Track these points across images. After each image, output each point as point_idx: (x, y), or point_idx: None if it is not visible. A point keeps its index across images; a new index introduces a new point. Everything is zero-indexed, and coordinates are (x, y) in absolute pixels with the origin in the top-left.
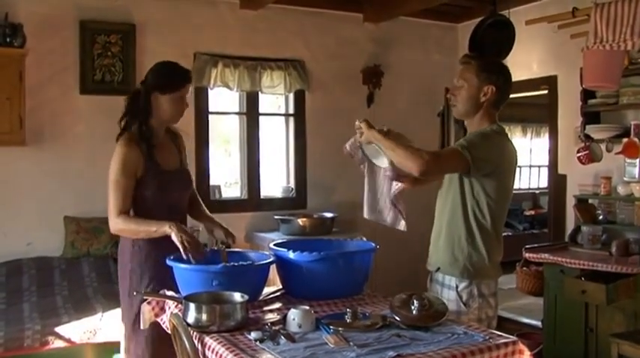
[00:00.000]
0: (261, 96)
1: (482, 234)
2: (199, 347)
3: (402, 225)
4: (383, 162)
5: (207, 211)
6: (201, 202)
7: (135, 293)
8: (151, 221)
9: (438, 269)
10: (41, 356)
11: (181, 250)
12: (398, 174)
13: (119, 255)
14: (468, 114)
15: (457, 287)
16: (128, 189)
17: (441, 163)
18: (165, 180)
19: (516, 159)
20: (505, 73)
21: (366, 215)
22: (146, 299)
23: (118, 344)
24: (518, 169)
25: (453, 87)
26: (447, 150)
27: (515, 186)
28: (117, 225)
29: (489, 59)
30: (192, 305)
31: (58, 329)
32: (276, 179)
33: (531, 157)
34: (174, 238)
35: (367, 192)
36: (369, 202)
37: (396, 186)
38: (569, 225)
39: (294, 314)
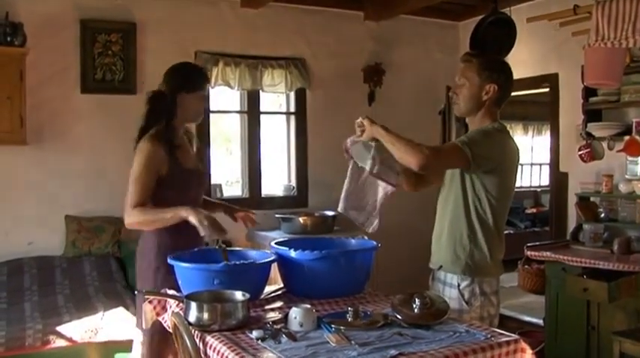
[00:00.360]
0: (262, 94)
1: (484, 232)
2: (201, 346)
3: (371, 228)
4: (367, 165)
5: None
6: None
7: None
8: (165, 208)
9: (440, 267)
10: (42, 355)
11: (201, 230)
12: (381, 178)
13: (140, 254)
14: (470, 113)
15: (459, 285)
16: (148, 185)
17: (440, 158)
18: (186, 179)
19: (518, 157)
20: (506, 71)
21: (340, 209)
22: (148, 298)
23: (119, 343)
24: (520, 167)
25: (454, 85)
26: (448, 145)
27: (517, 184)
28: (132, 217)
29: (491, 57)
30: (193, 304)
31: (60, 329)
32: (277, 177)
33: (533, 155)
34: (192, 220)
35: (348, 188)
36: (347, 197)
37: (387, 189)
38: (571, 223)
39: (295, 313)
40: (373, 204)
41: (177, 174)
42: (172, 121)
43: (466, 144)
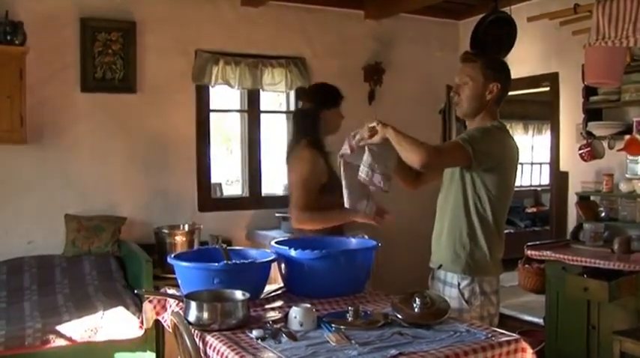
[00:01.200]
0: (262, 93)
1: (484, 231)
2: (201, 345)
3: (370, 210)
4: (360, 167)
5: None
6: None
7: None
8: (331, 211)
9: (440, 266)
10: (42, 354)
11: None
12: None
13: None
14: (473, 113)
15: (459, 284)
16: (314, 190)
17: (442, 156)
18: (338, 182)
19: (518, 156)
20: (506, 70)
21: (348, 205)
22: (148, 298)
23: (119, 342)
24: (520, 166)
25: (456, 85)
26: (449, 143)
27: (517, 183)
28: (303, 218)
29: (492, 57)
30: (193, 304)
31: (59, 328)
32: (277, 176)
33: (533, 154)
34: (361, 219)
35: (349, 185)
36: (350, 194)
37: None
38: (571, 223)
39: (295, 313)
40: (367, 191)
41: (334, 180)
42: (318, 134)
43: (467, 142)
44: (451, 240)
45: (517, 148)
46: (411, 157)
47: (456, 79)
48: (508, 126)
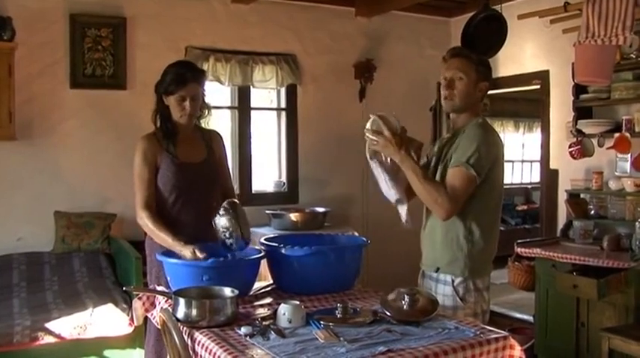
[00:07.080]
0: (252, 90)
1: (481, 231)
2: (189, 342)
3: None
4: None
5: None
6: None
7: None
8: (171, 235)
9: (438, 269)
10: (31, 351)
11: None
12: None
13: (147, 248)
14: (464, 109)
15: (453, 282)
16: (150, 179)
17: (459, 202)
18: (181, 170)
19: (503, 150)
20: (490, 68)
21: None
22: (137, 295)
23: (108, 339)
24: (510, 164)
25: (449, 79)
26: (460, 180)
27: (508, 181)
28: (140, 219)
29: (481, 56)
30: (181, 301)
31: (48, 325)
32: (267, 173)
33: (523, 152)
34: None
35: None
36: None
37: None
38: (561, 220)
39: (284, 309)
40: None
41: (171, 164)
42: (172, 118)
43: (473, 168)
44: (448, 243)
45: (502, 143)
46: (432, 209)
47: (447, 73)
48: (499, 124)
